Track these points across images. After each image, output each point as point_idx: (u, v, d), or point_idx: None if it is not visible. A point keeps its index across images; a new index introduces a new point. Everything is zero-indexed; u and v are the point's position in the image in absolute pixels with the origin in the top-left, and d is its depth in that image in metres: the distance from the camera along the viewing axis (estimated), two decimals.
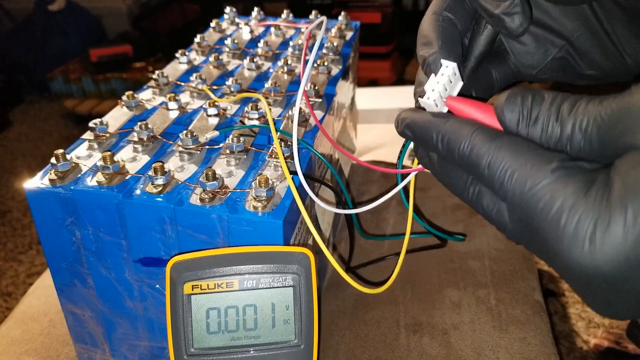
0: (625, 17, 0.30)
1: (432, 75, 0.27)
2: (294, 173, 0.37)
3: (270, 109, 0.42)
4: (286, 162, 0.38)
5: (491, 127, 0.24)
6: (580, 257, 0.20)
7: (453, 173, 0.26)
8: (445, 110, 0.27)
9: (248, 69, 0.52)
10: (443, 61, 0.27)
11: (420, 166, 0.29)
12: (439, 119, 0.26)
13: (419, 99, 0.27)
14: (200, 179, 0.35)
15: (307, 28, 0.62)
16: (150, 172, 0.35)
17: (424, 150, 0.28)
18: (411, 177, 0.33)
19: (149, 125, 0.40)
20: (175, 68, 0.53)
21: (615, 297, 0.20)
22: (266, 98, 0.47)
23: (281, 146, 0.38)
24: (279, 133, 0.40)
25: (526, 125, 0.23)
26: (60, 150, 0.37)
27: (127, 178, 0.37)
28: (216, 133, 0.40)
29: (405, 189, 0.34)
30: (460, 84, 0.28)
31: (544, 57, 0.32)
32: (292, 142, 0.39)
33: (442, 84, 0.27)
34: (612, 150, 0.20)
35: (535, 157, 0.22)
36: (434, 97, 0.26)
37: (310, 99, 0.46)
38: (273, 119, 0.43)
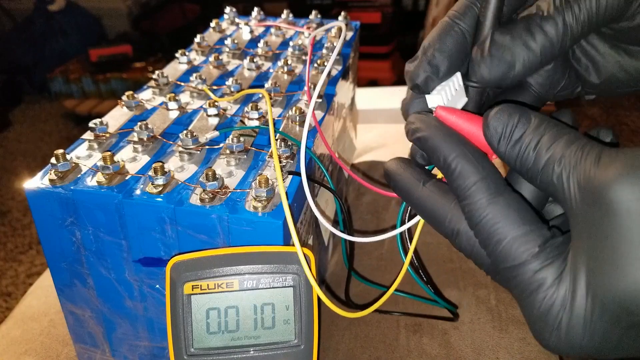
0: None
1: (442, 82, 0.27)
2: (294, 173, 0.37)
3: (271, 106, 0.42)
4: (286, 162, 0.38)
5: (476, 146, 0.25)
6: (548, 338, 0.22)
7: (440, 199, 0.26)
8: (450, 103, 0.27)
9: (248, 69, 0.52)
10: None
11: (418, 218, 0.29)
12: (450, 143, 0.25)
13: (427, 96, 0.27)
14: (200, 179, 0.35)
15: (309, 30, 0.62)
16: (150, 172, 0.35)
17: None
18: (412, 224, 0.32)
19: (149, 125, 0.40)
20: (175, 68, 0.53)
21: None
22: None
23: (281, 146, 0.38)
24: (278, 134, 0.40)
25: (506, 144, 0.23)
26: (60, 150, 0.37)
27: (127, 178, 0.37)
28: (216, 133, 0.40)
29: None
30: (464, 100, 0.28)
31: (562, 77, 0.30)
32: (291, 143, 0.39)
33: (449, 86, 0.27)
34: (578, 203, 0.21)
35: (523, 233, 0.22)
36: (444, 94, 0.27)
37: (310, 98, 0.46)
38: (275, 120, 0.43)
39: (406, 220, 0.32)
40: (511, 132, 0.23)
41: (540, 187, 0.23)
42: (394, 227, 0.60)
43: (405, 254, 0.34)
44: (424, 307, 0.49)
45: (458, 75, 0.27)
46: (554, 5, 0.25)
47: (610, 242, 0.19)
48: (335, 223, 0.53)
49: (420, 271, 0.40)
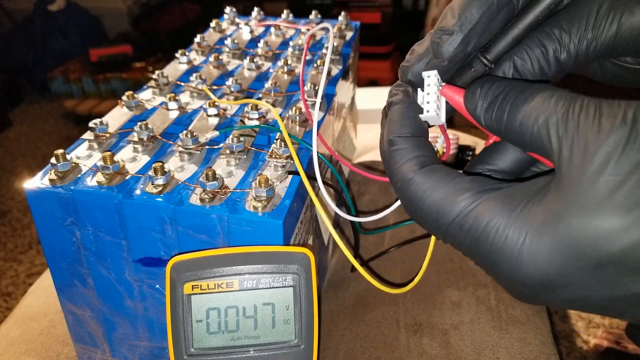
0: None
1: (419, 90, 0.27)
2: (295, 173, 0.37)
3: (273, 107, 0.42)
4: (286, 161, 0.38)
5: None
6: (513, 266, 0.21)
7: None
8: (443, 119, 0.27)
9: (248, 69, 0.52)
10: (423, 73, 0.27)
11: None
12: (406, 123, 0.26)
13: (420, 115, 0.27)
14: (200, 179, 0.35)
15: (308, 30, 0.62)
16: (150, 172, 0.35)
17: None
18: None
19: (149, 125, 0.40)
20: (175, 68, 0.53)
21: (547, 296, 0.21)
22: (269, 103, 0.47)
23: (281, 146, 0.38)
24: (279, 133, 0.40)
25: (482, 109, 0.24)
26: (60, 150, 0.37)
27: (127, 178, 0.37)
28: (216, 133, 0.40)
29: None
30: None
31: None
32: (293, 143, 0.39)
33: (433, 93, 0.27)
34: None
35: (454, 186, 0.23)
36: (432, 108, 0.27)
37: (310, 99, 0.46)
38: (273, 120, 0.43)
39: None
40: (485, 97, 0.24)
41: (520, 143, 0.23)
42: (394, 224, 0.60)
43: None
44: (424, 307, 0.49)
45: (431, 74, 0.27)
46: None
47: (589, 193, 0.19)
48: (336, 222, 0.53)
49: None
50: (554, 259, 0.20)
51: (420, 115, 0.27)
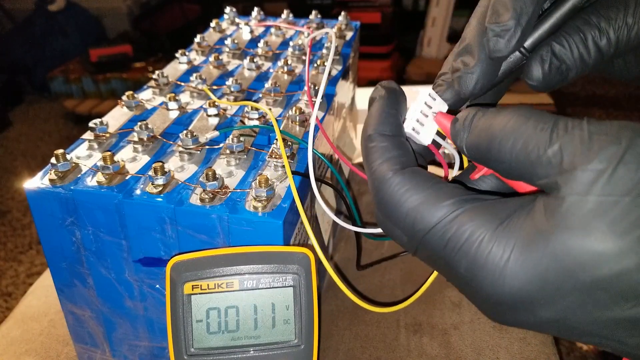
0: None
1: (412, 103, 0.27)
2: (296, 173, 0.37)
3: (270, 109, 0.42)
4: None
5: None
6: (493, 283, 0.20)
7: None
8: (427, 140, 0.27)
9: (248, 69, 0.52)
10: (419, 88, 0.27)
11: None
12: (384, 120, 0.25)
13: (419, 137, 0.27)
14: (200, 179, 0.35)
15: (309, 30, 0.62)
16: (150, 172, 0.35)
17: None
18: None
19: (149, 125, 0.40)
20: (175, 68, 0.53)
21: (522, 316, 0.20)
22: (269, 103, 0.47)
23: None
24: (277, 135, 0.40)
25: (463, 138, 0.24)
26: (60, 150, 0.37)
27: (127, 178, 0.37)
28: (216, 133, 0.40)
29: None
30: (445, 107, 0.27)
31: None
32: (291, 142, 0.39)
33: (421, 111, 0.26)
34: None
35: (431, 192, 0.22)
36: (411, 125, 0.26)
37: (310, 98, 0.46)
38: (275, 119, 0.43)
39: None
40: (467, 124, 0.23)
41: (502, 171, 0.22)
42: None
43: None
44: (424, 307, 0.49)
45: (425, 91, 0.27)
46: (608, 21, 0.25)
47: (580, 206, 0.18)
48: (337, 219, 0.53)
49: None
50: (539, 278, 0.19)
51: (405, 131, 0.27)
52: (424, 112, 0.26)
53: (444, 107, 0.27)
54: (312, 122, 0.33)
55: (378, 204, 0.24)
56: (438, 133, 0.27)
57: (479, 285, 0.20)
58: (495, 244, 0.20)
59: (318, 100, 0.36)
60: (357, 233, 0.52)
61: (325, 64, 0.52)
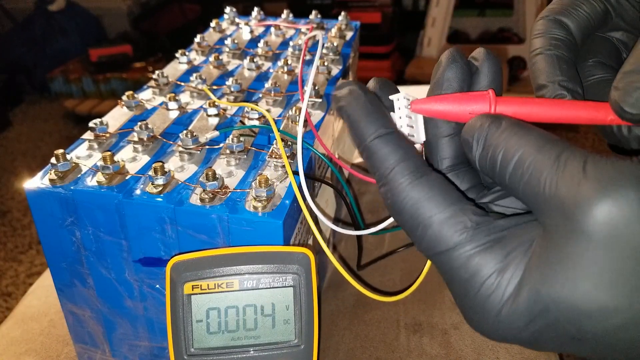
0: None
1: (392, 113, 0.26)
2: (297, 173, 0.37)
3: (270, 109, 0.42)
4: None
5: (459, 120, 0.25)
6: (483, 326, 0.21)
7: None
8: (422, 137, 0.27)
9: (248, 69, 0.52)
10: (390, 97, 0.26)
11: None
12: (368, 123, 0.23)
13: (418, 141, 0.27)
14: (200, 179, 0.35)
15: (307, 30, 0.62)
16: (150, 172, 0.35)
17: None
18: None
19: (149, 125, 0.40)
20: (175, 68, 0.53)
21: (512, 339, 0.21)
22: (269, 103, 0.47)
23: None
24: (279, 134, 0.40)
25: (478, 150, 0.22)
26: (60, 150, 0.37)
27: (127, 178, 0.37)
28: (216, 133, 0.40)
29: None
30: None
31: None
32: (292, 143, 0.39)
33: (405, 115, 0.26)
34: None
35: (449, 215, 0.21)
36: (405, 131, 0.26)
37: (310, 99, 0.46)
38: (274, 120, 0.43)
39: None
40: (480, 138, 0.22)
41: (512, 192, 0.21)
42: (397, 226, 0.59)
43: None
44: (424, 307, 0.49)
45: (400, 96, 0.26)
46: None
47: (573, 257, 0.18)
48: (336, 221, 0.53)
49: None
50: (531, 323, 0.19)
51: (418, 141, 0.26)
52: (407, 115, 0.26)
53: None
54: (302, 114, 0.33)
55: (392, 214, 0.23)
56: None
57: (475, 318, 0.21)
58: (497, 285, 0.20)
59: (308, 90, 0.35)
60: (359, 243, 0.52)
61: (326, 63, 0.52)
